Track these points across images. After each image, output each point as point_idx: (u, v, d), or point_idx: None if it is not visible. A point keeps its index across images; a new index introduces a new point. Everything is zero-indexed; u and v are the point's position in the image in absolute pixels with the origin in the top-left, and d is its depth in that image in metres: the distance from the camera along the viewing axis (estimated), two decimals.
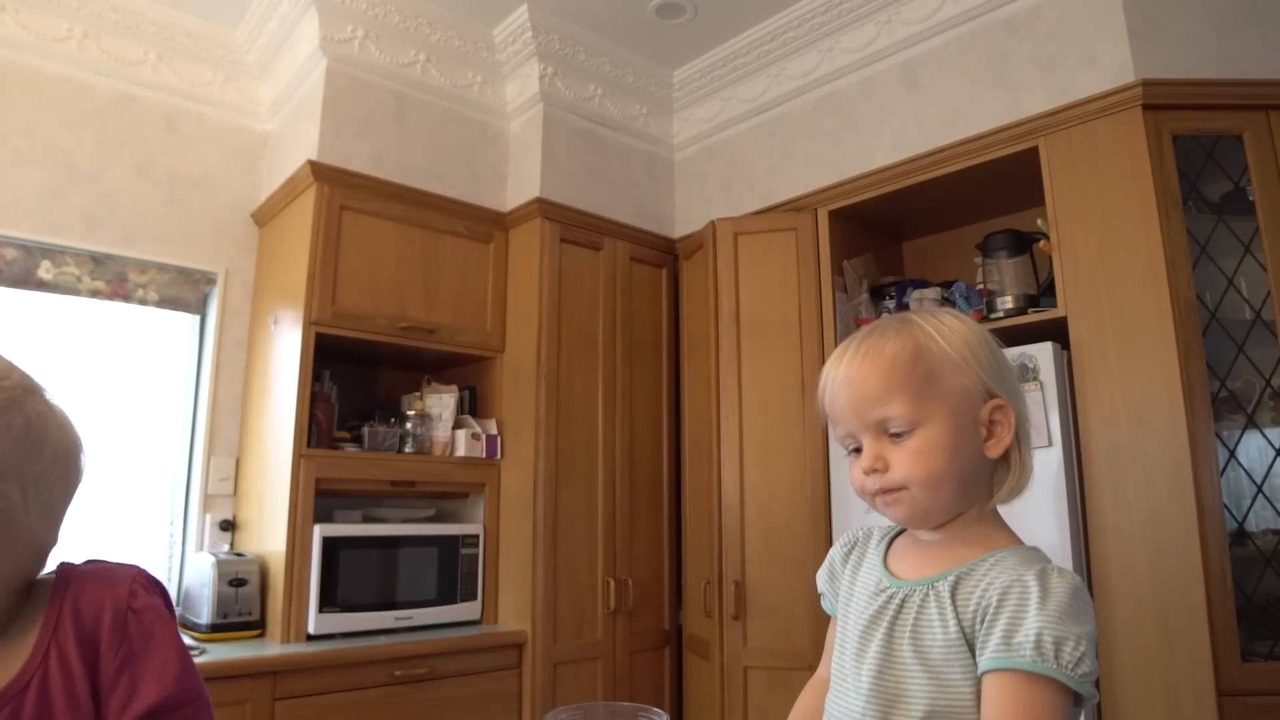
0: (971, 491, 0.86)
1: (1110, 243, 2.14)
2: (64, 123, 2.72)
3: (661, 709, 1.10)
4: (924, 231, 3.04)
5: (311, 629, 2.46)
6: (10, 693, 0.77)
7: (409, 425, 2.83)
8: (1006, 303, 2.40)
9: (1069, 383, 2.19)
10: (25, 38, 2.64)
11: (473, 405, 3.08)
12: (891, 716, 0.82)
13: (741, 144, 3.21)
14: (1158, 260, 2.05)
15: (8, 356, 0.84)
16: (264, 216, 3.02)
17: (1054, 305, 2.26)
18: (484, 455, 2.91)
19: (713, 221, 2.95)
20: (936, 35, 2.62)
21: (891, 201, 2.74)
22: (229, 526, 2.84)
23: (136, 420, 2.81)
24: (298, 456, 2.52)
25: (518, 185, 3.09)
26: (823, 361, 2.56)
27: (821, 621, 0.99)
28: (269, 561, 2.57)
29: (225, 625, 2.43)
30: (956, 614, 0.80)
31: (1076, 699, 0.75)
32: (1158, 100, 2.12)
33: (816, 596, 1.04)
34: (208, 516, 2.81)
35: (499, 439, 2.96)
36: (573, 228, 3.03)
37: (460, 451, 2.87)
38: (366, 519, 2.82)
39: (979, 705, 0.77)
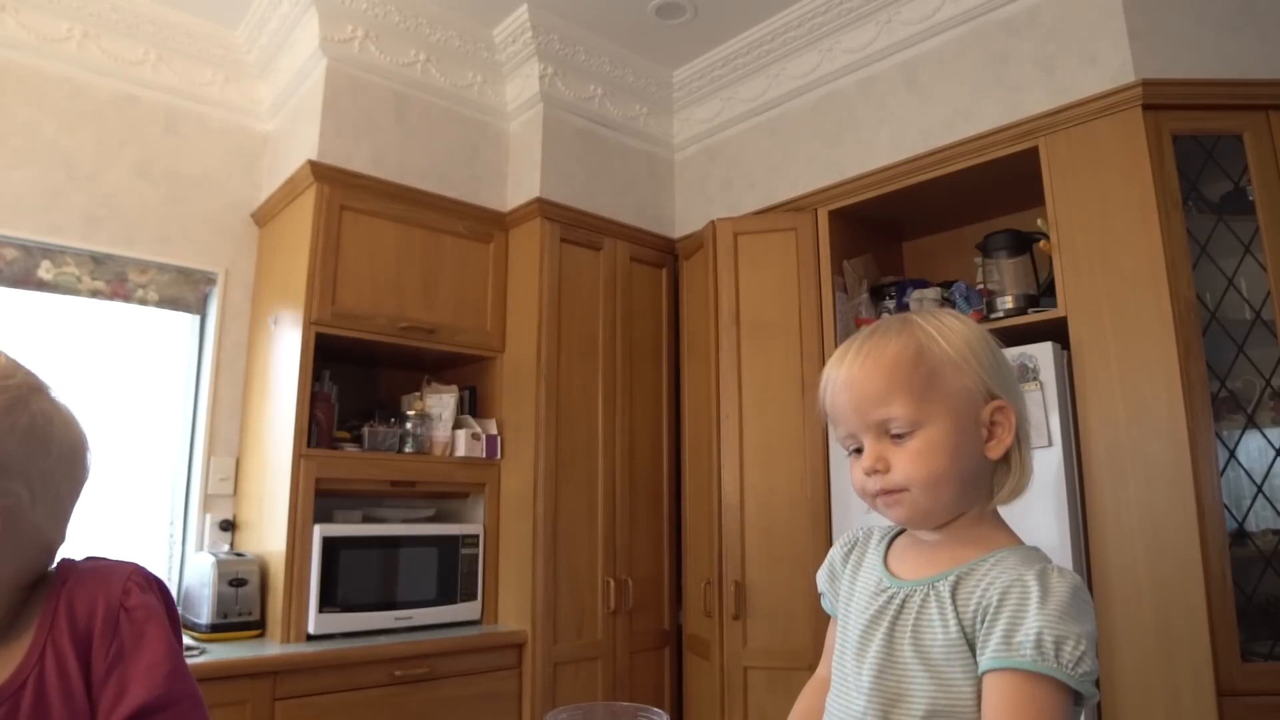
0: (972, 492, 0.86)
1: (1110, 243, 2.14)
2: (64, 123, 2.72)
3: (661, 709, 1.10)
4: (924, 231, 3.04)
5: (311, 629, 2.46)
6: (8, 690, 0.77)
7: (409, 425, 2.83)
8: (1006, 303, 2.40)
9: (1069, 383, 2.19)
10: (25, 38, 2.64)
11: (473, 405, 3.08)
12: (892, 716, 0.82)
13: (741, 144, 3.21)
14: (1158, 260, 2.05)
15: (12, 355, 0.84)
16: (264, 216, 3.02)
17: (1054, 305, 2.26)
18: (484, 455, 2.91)
19: (713, 221, 2.95)
20: (936, 35, 2.62)
21: (891, 201, 2.74)
22: (229, 526, 2.84)
23: (136, 420, 2.81)
24: (298, 456, 2.52)
25: (518, 185, 3.09)
26: (823, 362, 2.57)
27: (821, 621, 0.99)
28: (269, 561, 2.57)
29: (225, 625, 2.43)
30: (957, 614, 0.81)
31: (1077, 698, 0.75)
32: (1158, 100, 2.12)
33: (816, 596, 1.04)
34: (208, 516, 2.81)
35: (499, 439, 2.96)
36: (573, 228, 3.03)
37: (460, 451, 2.87)
38: (366, 519, 2.82)
39: (979, 705, 0.77)
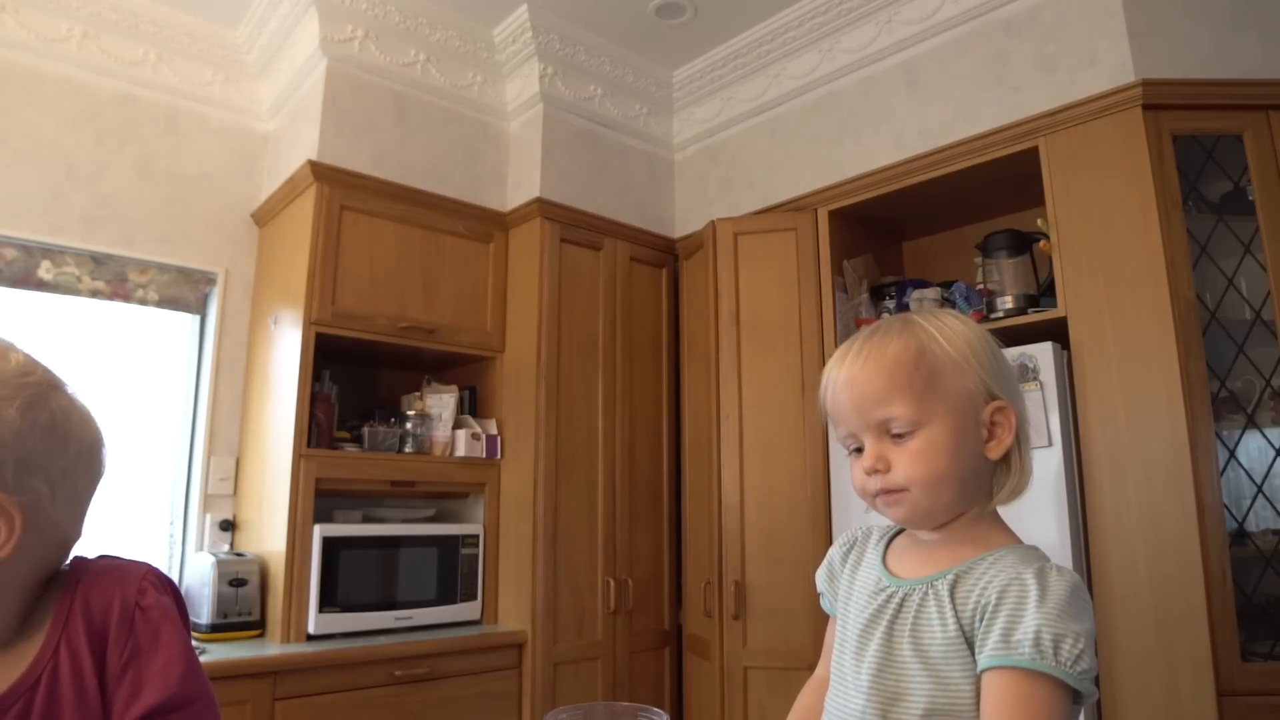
0: (972, 492, 0.86)
1: (1110, 243, 2.14)
2: (64, 123, 2.72)
3: (661, 709, 1.10)
4: (924, 231, 3.04)
5: (311, 629, 2.46)
6: (23, 686, 0.77)
7: (409, 425, 2.83)
8: (1006, 303, 2.40)
9: (1069, 383, 2.19)
10: (25, 38, 2.65)
11: (473, 405, 3.08)
12: (891, 715, 0.82)
13: (741, 144, 3.21)
14: (1158, 260, 2.05)
15: (30, 351, 0.84)
16: (264, 216, 3.02)
17: (1054, 305, 2.26)
18: (484, 455, 2.91)
19: (713, 221, 2.95)
20: (936, 35, 2.62)
21: (891, 201, 2.74)
22: (229, 526, 2.84)
23: (136, 420, 2.81)
24: (298, 456, 2.52)
25: (518, 185, 3.09)
26: (823, 362, 2.57)
27: (821, 621, 0.99)
28: (269, 561, 2.57)
29: (225, 625, 2.43)
30: (956, 612, 0.81)
31: (1075, 696, 0.75)
32: (1158, 100, 2.12)
33: (816, 596, 1.04)
34: (208, 516, 2.82)
35: (499, 439, 2.96)
36: (573, 228, 3.03)
37: (460, 451, 2.87)
38: (366, 519, 2.83)
39: (978, 703, 0.77)
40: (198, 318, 2.98)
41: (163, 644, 0.81)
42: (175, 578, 2.77)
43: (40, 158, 2.66)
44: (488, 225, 3.05)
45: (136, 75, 2.85)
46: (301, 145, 2.77)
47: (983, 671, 0.77)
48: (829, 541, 2.54)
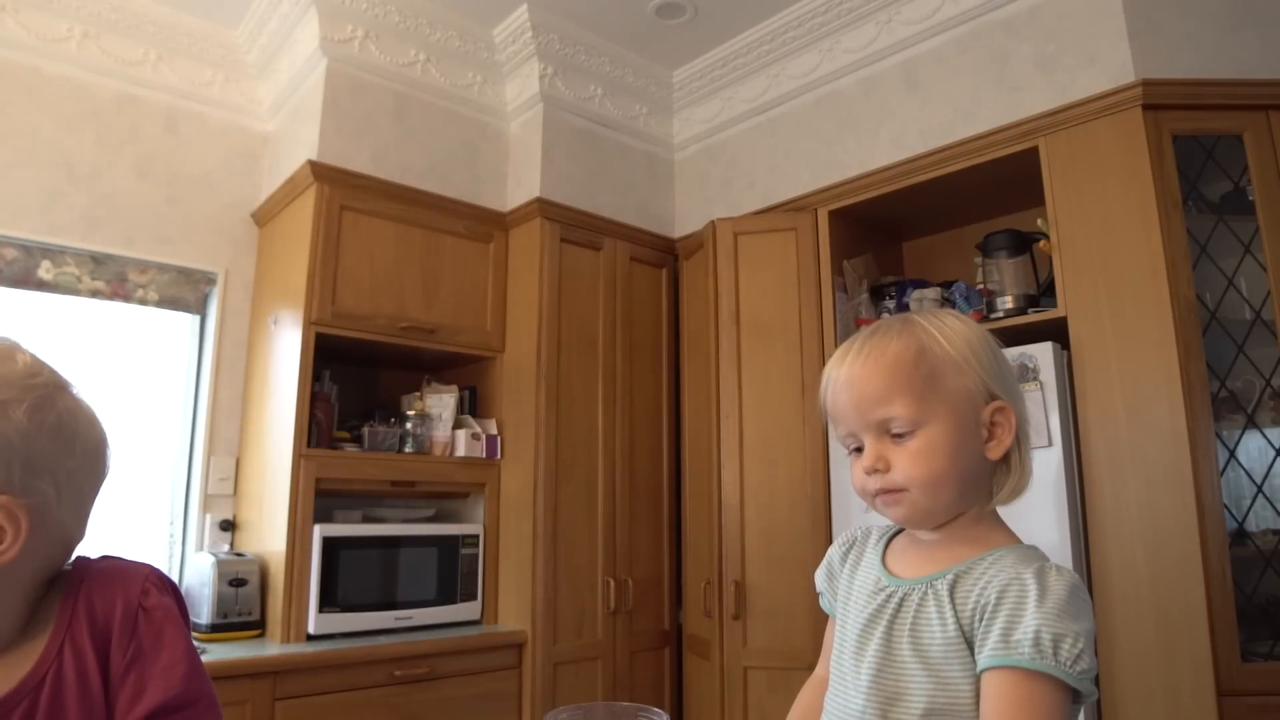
0: (972, 492, 0.86)
1: (1110, 243, 2.14)
2: (64, 123, 2.72)
3: (661, 709, 1.10)
4: (924, 231, 3.04)
5: (311, 629, 2.46)
6: (28, 686, 0.77)
7: (409, 425, 2.83)
8: (1006, 303, 2.40)
9: (1069, 383, 2.19)
10: (25, 38, 2.65)
11: (473, 405, 3.08)
12: (891, 715, 0.82)
13: (741, 144, 3.21)
14: (1158, 260, 2.05)
15: (36, 352, 0.84)
16: (264, 216, 3.02)
17: (1054, 305, 2.26)
18: (484, 455, 2.91)
19: (713, 221, 2.95)
20: (936, 35, 2.62)
21: (891, 201, 2.74)
22: (229, 526, 2.84)
23: (136, 420, 2.81)
24: (298, 456, 2.52)
25: (518, 185, 3.09)
26: (823, 362, 2.57)
27: (821, 621, 0.99)
28: (269, 561, 2.57)
29: (225, 625, 2.43)
30: (955, 612, 0.81)
31: (1075, 696, 0.75)
32: (1158, 100, 2.12)
33: (816, 596, 1.04)
34: (208, 516, 2.82)
35: (499, 439, 2.96)
36: (573, 228, 3.03)
37: (460, 451, 2.87)
38: (366, 519, 2.82)
39: (978, 703, 0.77)
40: (198, 318, 2.99)
41: (166, 644, 0.81)
42: (175, 578, 2.77)
43: (40, 158, 2.66)
44: (488, 225, 3.05)
45: (136, 75, 2.85)
46: (301, 145, 2.77)
47: (982, 671, 0.77)
48: (829, 541, 2.53)
